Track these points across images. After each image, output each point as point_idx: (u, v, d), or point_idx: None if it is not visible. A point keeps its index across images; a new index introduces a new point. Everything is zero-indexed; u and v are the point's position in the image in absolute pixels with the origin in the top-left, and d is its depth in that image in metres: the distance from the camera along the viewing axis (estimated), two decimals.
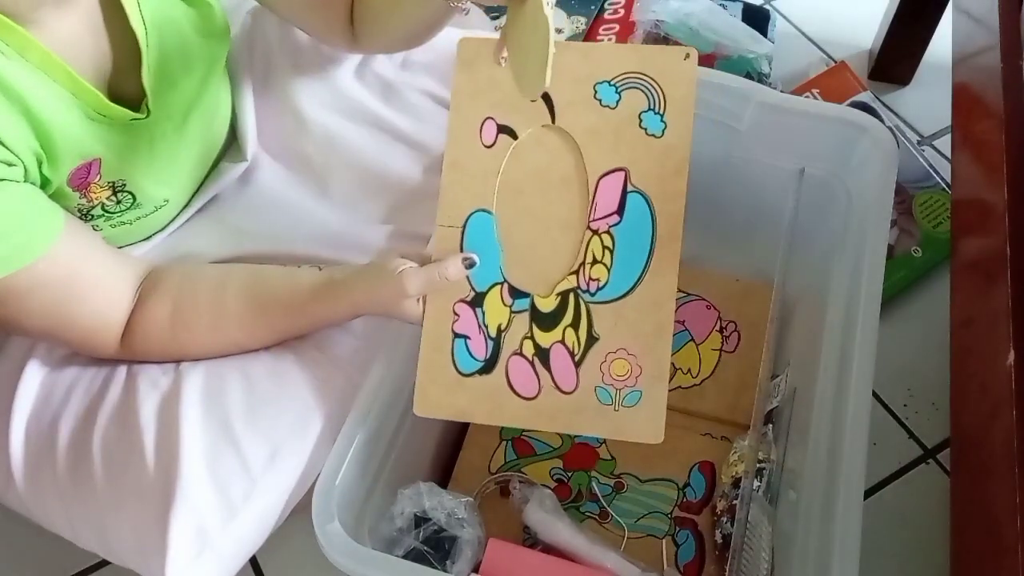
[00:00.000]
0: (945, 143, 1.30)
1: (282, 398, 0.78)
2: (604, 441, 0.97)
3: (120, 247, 0.85)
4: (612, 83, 0.73)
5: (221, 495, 0.74)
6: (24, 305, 0.71)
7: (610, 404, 0.75)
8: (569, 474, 0.95)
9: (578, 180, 0.74)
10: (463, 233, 0.75)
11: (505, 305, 0.75)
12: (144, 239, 0.87)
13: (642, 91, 0.73)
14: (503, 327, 0.75)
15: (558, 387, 0.75)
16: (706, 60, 1.23)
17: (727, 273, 1.08)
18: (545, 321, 0.75)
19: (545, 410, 0.75)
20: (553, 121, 0.74)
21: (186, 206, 0.90)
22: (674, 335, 1.07)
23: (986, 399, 0.75)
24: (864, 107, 1.20)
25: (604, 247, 0.74)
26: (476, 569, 0.80)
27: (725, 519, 0.89)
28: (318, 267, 0.80)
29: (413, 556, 0.79)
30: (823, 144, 0.95)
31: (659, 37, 1.26)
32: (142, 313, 0.77)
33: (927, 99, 1.35)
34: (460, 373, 0.76)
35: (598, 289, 0.75)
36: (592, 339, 0.75)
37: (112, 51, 0.75)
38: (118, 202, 0.79)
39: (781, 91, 1.14)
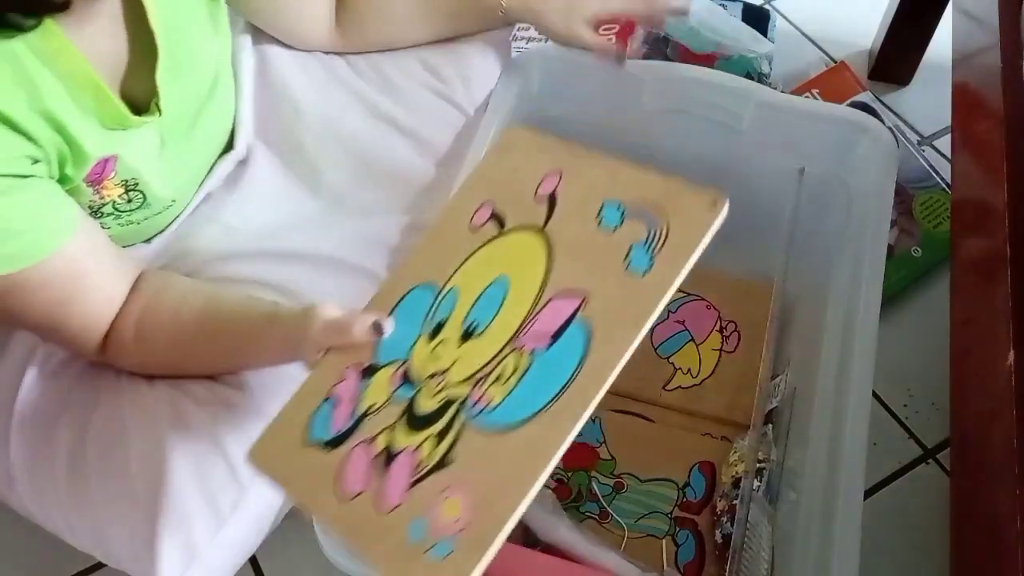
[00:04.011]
0: (945, 143, 1.30)
1: (270, 404, 0.78)
2: (604, 441, 0.97)
3: (126, 246, 0.85)
4: (621, 206, 0.66)
5: (209, 505, 0.74)
6: (27, 299, 0.71)
7: (415, 546, 0.59)
8: (569, 474, 0.95)
9: (532, 290, 0.66)
10: (400, 300, 0.70)
11: (389, 388, 0.66)
12: (144, 241, 0.87)
13: (646, 224, 0.65)
14: (373, 409, 0.66)
15: (377, 500, 0.62)
16: (706, 60, 1.23)
17: (727, 273, 1.08)
18: (415, 422, 0.64)
19: (350, 519, 0.62)
20: (544, 225, 0.68)
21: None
22: (674, 335, 1.09)
23: (986, 399, 0.75)
24: (864, 107, 1.20)
25: (515, 368, 0.63)
26: None
27: (725, 519, 0.89)
28: (275, 301, 0.78)
29: None
30: (823, 144, 0.95)
31: (659, 37, 1.26)
32: (118, 319, 0.77)
33: (927, 99, 1.34)
34: (307, 437, 0.66)
35: (484, 410, 0.62)
36: (443, 463, 0.61)
37: (128, 49, 0.75)
38: (128, 201, 0.79)
39: (781, 91, 1.14)
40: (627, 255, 0.64)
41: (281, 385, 0.78)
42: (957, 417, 0.80)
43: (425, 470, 0.61)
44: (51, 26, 0.65)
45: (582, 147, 0.71)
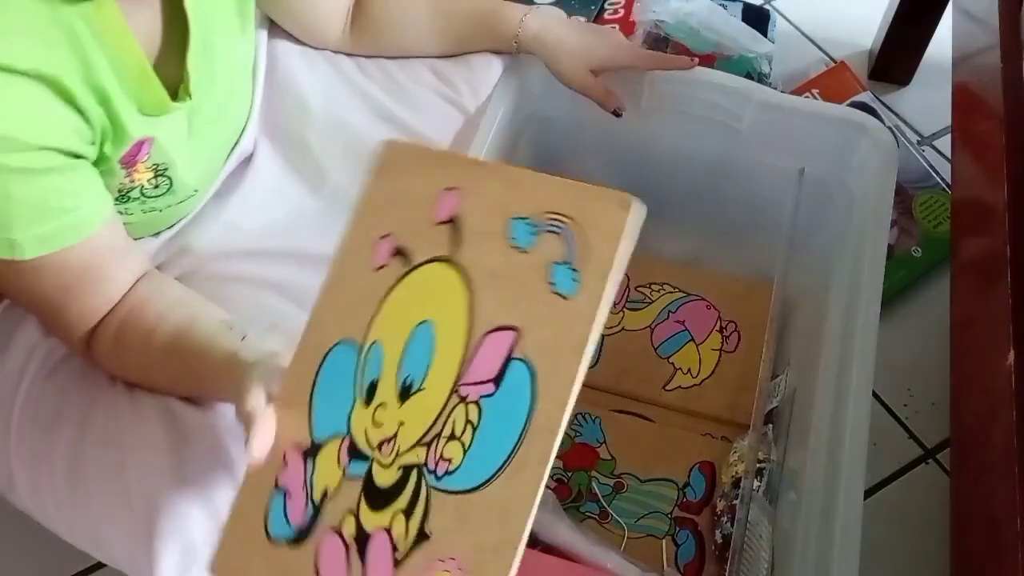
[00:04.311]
0: (945, 143, 1.30)
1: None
2: (604, 441, 0.97)
3: (136, 239, 0.85)
4: (530, 222, 0.60)
5: (207, 506, 0.74)
6: (39, 281, 0.70)
7: None
8: (569, 474, 0.95)
9: (460, 331, 0.60)
10: (321, 364, 0.63)
11: (339, 465, 0.61)
12: (154, 234, 0.87)
13: (561, 237, 0.59)
14: (330, 492, 0.60)
15: None
16: (706, 60, 1.23)
17: (727, 273, 1.08)
18: (377, 498, 0.60)
19: None
20: (454, 253, 0.62)
21: None
22: (674, 335, 1.08)
23: (986, 399, 0.75)
24: (864, 107, 1.20)
25: (467, 421, 0.59)
26: None
27: (725, 519, 0.89)
28: (242, 336, 0.74)
29: None
30: (823, 144, 0.95)
31: (659, 37, 1.26)
32: (107, 317, 0.76)
33: (927, 99, 1.34)
34: (268, 537, 0.61)
35: (446, 473, 0.58)
36: (423, 536, 0.58)
37: (162, 31, 0.74)
38: (156, 186, 0.79)
39: (781, 91, 1.14)
40: (549, 276, 0.59)
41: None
42: (957, 417, 0.80)
43: (406, 548, 0.58)
44: (108, 1, 0.65)
45: (472, 159, 0.67)
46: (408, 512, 0.58)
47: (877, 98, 1.25)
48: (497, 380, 0.58)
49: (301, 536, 0.60)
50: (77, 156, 0.68)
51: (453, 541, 0.57)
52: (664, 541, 0.92)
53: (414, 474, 0.59)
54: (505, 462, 0.57)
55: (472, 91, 0.96)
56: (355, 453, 0.61)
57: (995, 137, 0.85)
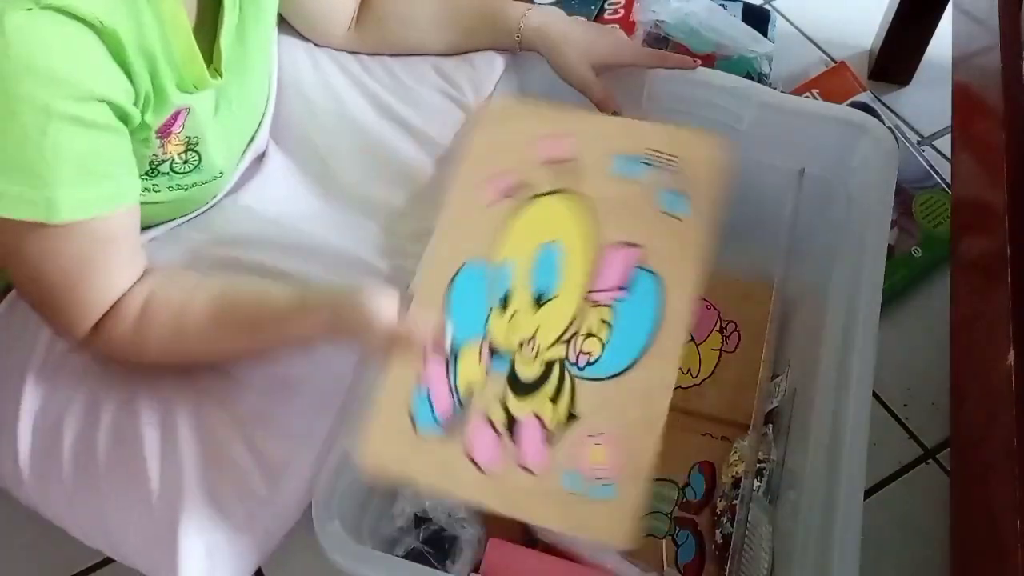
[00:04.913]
0: (945, 143, 1.30)
1: (285, 414, 0.78)
2: None
3: (161, 223, 0.86)
4: (634, 158, 0.70)
5: (229, 510, 0.73)
6: (60, 253, 0.69)
7: (578, 494, 0.65)
8: None
9: (586, 248, 0.70)
10: (452, 282, 0.71)
11: (481, 364, 0.69)
12: (163, 222, 0.87)
13: (665, 170, 0.70)
14: (475, 388, 0.68)
15: (522, 465, 0.66)
16: (706, 60, 1.23)
17: (727, 273, 1.07)
18: (523, 389, 0.68)
19: (502, 489, 0.66)
20: (570, 187, 0.72)
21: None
22: None
23: (986, 399, 0.75)
24: (864, 107, 1.20)
25: (602, 321, 0.69)
26: (476, 569, 0.80)
27: (725, 519, 0.89)
28: (292, 286, 0.76)
29: (413, 556, 0.79)
30: (823, 144, 0.95)
31: (659, 37, 1.26)
32: (122, 300, 0.74)
33: (927, 99, 1.34)
34: (416, 431, 0.67)
35: (587, 364, 0.68)
36: (571, 417, 0.67)
37: (198, 8, 0.75)
38: (185, 161, 0.79)
39: (781, 91, 1.14)
40: (660, 201, 0.69)
41: (294, 392, 0.78)
42: (957, 417, 0.80)
43: (557, 429, 0.66)
44: None
45: (574, 107, 0.75)
46: (555, 398, 0.67)
47: (877, 98, 1.25)
48: (625, 287, 0.69)
49: (450, 428, 0.67)
50: (123, 118, 0.67)
51: (601, 420, 0.66)
52: (664, 541, 0.92)
53: (557, 367, 0.68)
54: (641, 352, 0.67)
55: (475, 89, 0.96)
56: (495, 353, 0.69)
57: (995, 137, 0.85)
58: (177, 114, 0.74)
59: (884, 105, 1.25)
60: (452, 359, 0.68)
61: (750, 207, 1.03)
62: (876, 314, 0.81)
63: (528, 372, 0.68)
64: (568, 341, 0.68)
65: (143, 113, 0.71)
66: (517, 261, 0.71)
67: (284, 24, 0.98)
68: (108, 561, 0.94)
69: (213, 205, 0.90)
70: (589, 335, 0.68)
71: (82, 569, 0.95)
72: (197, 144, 0.79)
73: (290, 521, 0.79)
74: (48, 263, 0.69)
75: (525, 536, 0.87)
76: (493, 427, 0.67)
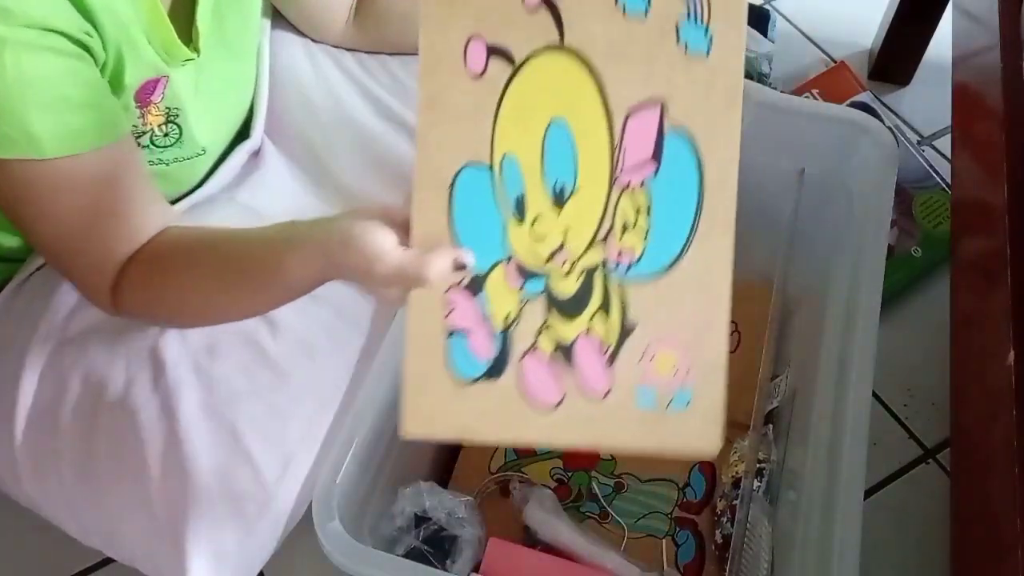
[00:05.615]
0: (945, 143, 1.30)
1: (289, 405, 0.78)
2: None
3: None
4: None
5: (237, 511, 0.73)
6: (66, 195, 0.67)
7: (654, 410, 0.59)
8: (569, 474, 0.95)
9: (598, 119, 0.57)
10: (450, 197, 0.57)
11: (513, 289, 0.59)
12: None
13: None
14: (512, 318, 0.59)
15: (586, 391, 0.59)
16: None
17: None
18: (566, 308, 0.59)
19: (571, 421, 0.59)
20: (562, 39, 0.56)
21: (199, 186, 0.90)
22: None
23: (986, 399, 0.75)
24: (864, 107, 1.20)
25: (637, 208, 0.58)
26: (476, 569, 0.80)
27: (725, 519, 0.89)
28: (291, 221, 0.71)
29: (413, 555, 0.79)
30: (823, 144, 0.95)
31: None
32: (137, 253, 0.73)
33: (927, 99, 1.35)
34: (460, 379, 0.59)
35: (632, 264, 0.58)
36: (628, 328, 0.59)
37: None
38: (165, 134, 0.78)
39: (781, 91, 1.14)
40: (678, 37, 0.56)
41: (294, 392, 0.78)
42: (957, 417, 0.80)
43: (614, 344, 0.59)
44: None
45: None
46: (605, 310, 0.59)
47: (877, 98, 1.25)
48: (656, 157, 0.57)
49: (497, 367, 0.59)
50: (86, 50, 0.65)
51: (661, 323, 0.58)
52: (664, 541, 0.92)
53: (598, 274, 0.59)
54: (690, 234, 0.58)
55: None
56: (526, 273, 0.59)
57: (995, 137, 0.85)
58: (156, 82, 0.74)
59: (884, 105, 1.25)
60: (478, 289, 0.59)
61: (750, 207, 1.03)
62: (876, 314, 0.81)
63: (567, 288, 0.59)
64: (604, 240, 0.58)
65: (121, 70, 0.70)
66: (521, 153, 0.58)
67: (281, 20, 0.98)
68: (108, 561, 0.94)
69: (209, 200, 0.90)
70: (626, 228, 0.58)
71: (81, 569, 0.95)
72: (177, 116, 0.78)
73: (291, 521, 0.79)
74: (54, 206, 0.68)
75: (525, 536, 0.88)
76: (544, 357, 0.59)
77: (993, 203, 0.82)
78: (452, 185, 0.57)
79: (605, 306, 0.59)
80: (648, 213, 0.58)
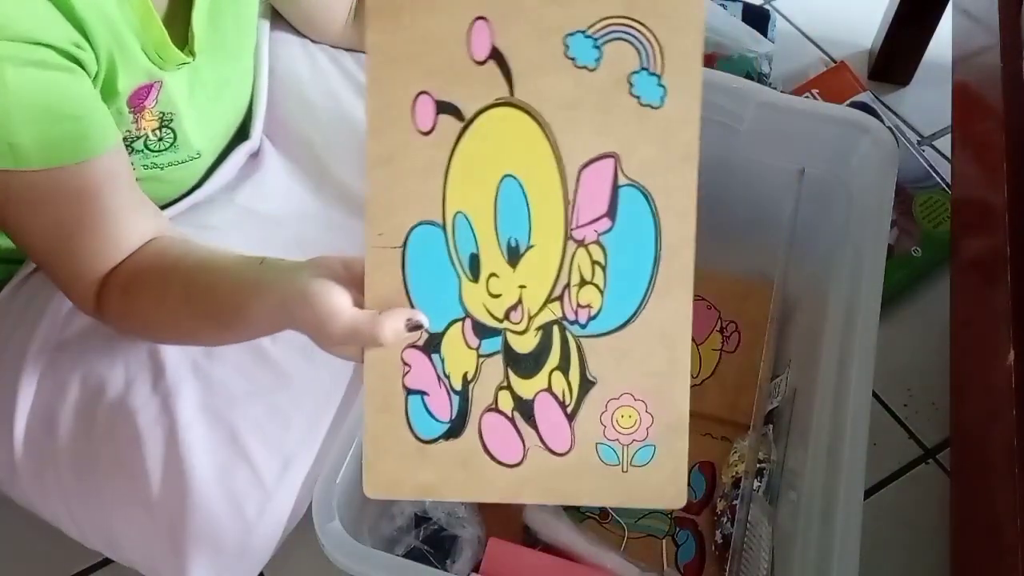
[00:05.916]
0: (945, 143, 1.30)
1: (289, 406, 0.78)
2: None
3: None
4: (589, 34, 0.54)
5: (237, 513, 0.73)
6: (50, 206, 0.67)
7: (616, 464, 0.59)
8: None
9: (551, 174, 0.56)
10: (404, 255, 0.57)
11: (470, 348, 0.58)
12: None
13: (630, 44, 0.54)
14: (471, 376, 0.59)
15: (548, 448, 0.59)
16: (706, 60, 1.22)
17: (727, 273, 1.07)
18: (524, 365, 0.59)
19: (535, 478, 0.59)
20: (512, 93, 0.55)
21: (197, 187, 0.90)
22: None
23: (986, 399, 0.75)
24: (864, 107, 1.20)
25: (594, 262, 0.57)
26: (476, 569, 0.80)
27: (725, 519, 0.89)
28: (261, 259, 0.69)
29: (413, 555, 0.79)
30: (823, 144, 0.95)
31: None
32: (120, 266, 0.73)
33: (927, 99, 1.34)
34: (420, 439, 0.59)
35: (590, 319, 0.58)
36: (587, 383, 0.59)
37: None
38: (160, 139, 0.78)
39: (781, 91, 1.14)
40: (631, 88, 0.55)
41: (294, 392, 0.78)
42: (957, 417, 0.80)
43: (574, 400, 0.59)
44: None
45: None
46: (564, 367, 0.58)
47: (877, 98, 1.25)
48: (611, 213, 0.56)
49: (457, 426, 0.59)
50: (75, 63, 0.65)
51: (621, 379, 0.58)
52: (664, 541, 0.92)
53: (556, 330, 0.58)
54: (648, 289, 0.57)
55: None
56: (482, 331, 0.58)
57: (995, 137, 0.85)
58: (150, 87, 0.74)
59: (884, 105, 1.25)
60: (435, 349, 0.58)
61: (750, 207, 1.03)
62: (876, 314, 0.81)
63: (525, 344, 0.58)
64: (560, 297, 0.57)
65: (113, 77, 0.69)
66: (473, 211, 0.57)
67: (280, 20, 0.98)
68: (108, 561, 0.94)
69: (209, 201, 0.90)
70: (583, 283, 0.57)
71: (81, 569, 0.95)
72: (171, 121, 0.78)
73: (291, 522, 0.79)
74: (37, 217, 0.68)
75: (525, 536, 0.88)
76: (504, 415, 0.59)
77: (993, 203, 0.82)
78: (405, 244, 0.57)
79: (564, 362, 0.59)
80: (605, 268, 0.57)
